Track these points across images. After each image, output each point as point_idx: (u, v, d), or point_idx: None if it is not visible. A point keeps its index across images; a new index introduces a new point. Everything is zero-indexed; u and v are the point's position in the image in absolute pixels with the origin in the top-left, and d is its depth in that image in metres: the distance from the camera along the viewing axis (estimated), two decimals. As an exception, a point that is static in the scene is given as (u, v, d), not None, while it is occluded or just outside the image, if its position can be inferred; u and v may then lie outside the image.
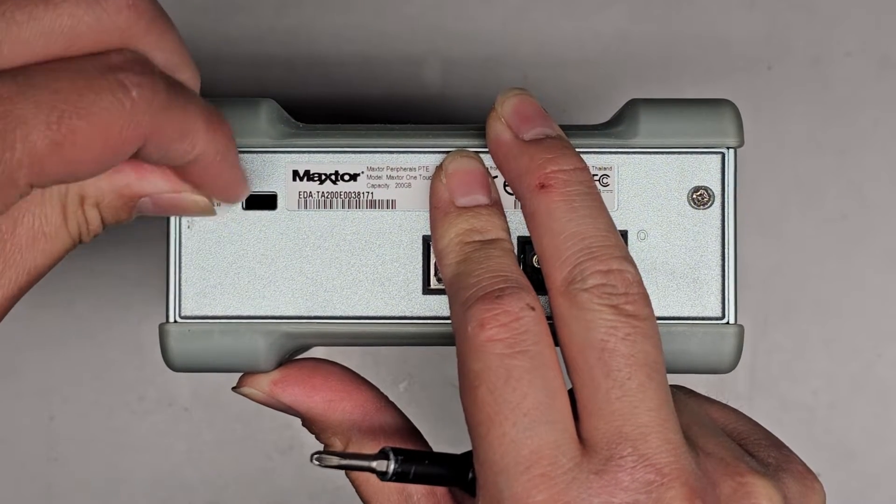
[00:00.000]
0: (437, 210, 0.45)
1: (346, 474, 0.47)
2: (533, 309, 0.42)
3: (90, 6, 0.38)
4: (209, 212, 0.44)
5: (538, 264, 0.43)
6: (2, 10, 0.37)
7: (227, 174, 0.42)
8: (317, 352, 0.50)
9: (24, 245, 0.41)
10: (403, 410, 0.48)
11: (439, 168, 0.45)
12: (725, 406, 0.47)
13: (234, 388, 0.47)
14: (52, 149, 0.37)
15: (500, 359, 0.41)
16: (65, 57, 0.38)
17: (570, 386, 0.42)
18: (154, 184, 0.42)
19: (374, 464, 0.43)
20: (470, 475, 0.43)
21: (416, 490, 0.46)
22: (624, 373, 0.41)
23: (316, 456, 0.43)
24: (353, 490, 0.48)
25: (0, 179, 0.37)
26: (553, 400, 0.41)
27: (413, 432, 0.48)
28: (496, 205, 0.45)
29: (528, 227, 0.43)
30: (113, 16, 0.38)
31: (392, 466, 0.43)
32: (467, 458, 0.43)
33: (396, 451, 0.43)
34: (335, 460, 0.43)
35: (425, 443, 0.48)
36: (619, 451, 0.41)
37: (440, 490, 0.46)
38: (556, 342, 0.42)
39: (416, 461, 0.43)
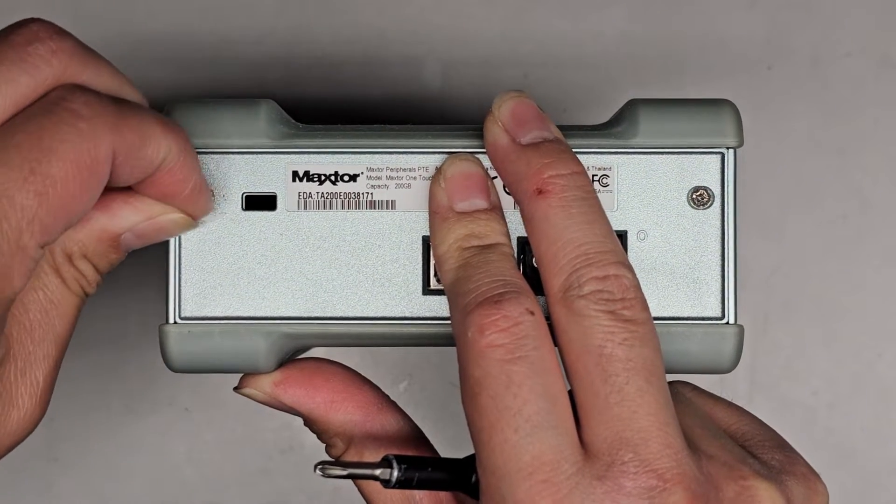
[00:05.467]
0: (436, 215, 0.45)
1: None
2: (532, 313, 0.42)
3: (20, 66, 0.39)
4: (190, 226, 0.44)
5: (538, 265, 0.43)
6: None
7: (190, 177, 0.43)
8: (317, 351, 0.50)
9: (41, 321, 0.43)
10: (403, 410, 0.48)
11: (438, 172, 0.45)
12: (729, 404, 0.47)
13: (235, 389, 0.47)
14: (40, 200, 0.38)
15: (501, 365, 0.41)
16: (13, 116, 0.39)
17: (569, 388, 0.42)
18: (126, 218, 0.43)
19: (377, 472, 0.43)
20: (473, 479, 0.43)
21: (421, 493, 0.46)
22: (622, 377, 0.41)
23: (319, 466, 0.43)
24: (353, 490, 0.48)
25: (10, 250, 0.38)
26: (554, 405, 0.41)
27: (415, 432, 0.48)
28: (495, 209, 0.45)
29: (526, 231, 0.43)
30: (44, 67, 0.39)
31: (395, 474, 0.43)
32: (470, 461, 0.43)
33: (399, 459, 0.43)
34: (338, 470, 0.43)
35: (428, 442, 0.48)
36: (620, 457, 0.41)
37: (444, 493, 0.46)
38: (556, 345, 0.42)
39: (418, 468, 0.43)
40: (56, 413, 0.63)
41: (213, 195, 0.45)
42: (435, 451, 0.48)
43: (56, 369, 0.43)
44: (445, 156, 0.45)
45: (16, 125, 0.38)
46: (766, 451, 0.45)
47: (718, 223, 0.46)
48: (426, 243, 0.46)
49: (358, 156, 0.46)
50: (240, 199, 0.46)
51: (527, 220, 0.43)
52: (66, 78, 0.39)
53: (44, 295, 0.42)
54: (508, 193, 0.45)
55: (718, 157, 0.46)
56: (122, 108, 0.40)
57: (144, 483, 0.64)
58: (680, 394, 0.46)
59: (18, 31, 0.39)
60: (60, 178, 0.38)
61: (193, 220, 0.44)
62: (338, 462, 0.44)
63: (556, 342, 0.42)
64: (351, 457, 0.47)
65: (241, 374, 0.47)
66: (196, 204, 0.44)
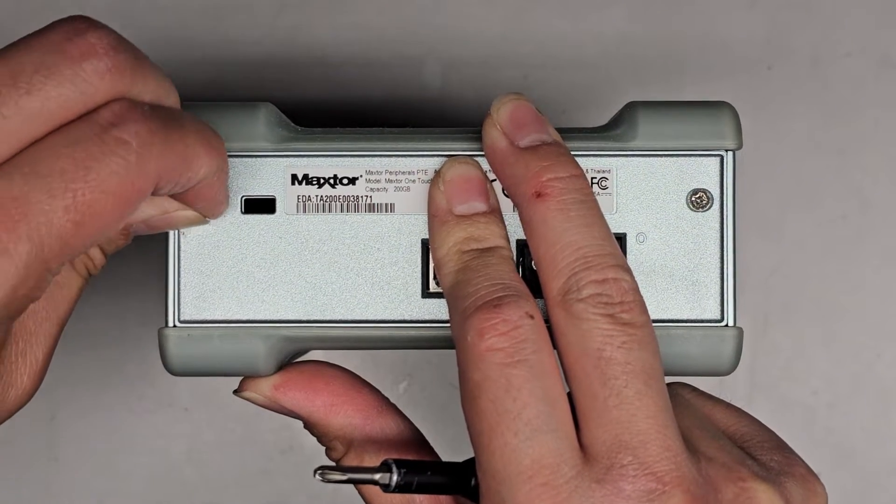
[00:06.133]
0: (435, 218, 0.45)
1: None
2: (532, 317, 0.42)
3: (73, 82, 0.38)
4: (201, 222, 0.44)
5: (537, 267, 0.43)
6: None
7: (221, 191, 0.43)
8: (316, 354, 0.50)
9: (45, 303, 0.43)
10: (403, 412, 0.48)
11: (437, 175, 0.45)
12: (728, 406, 0.47)
13: (235, 392, 0.47)
14: (77, 229, 0.38)
15: (500, 368, 0.41)
16: (58, 127, 0.38)
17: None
18: (143, 211, 0.43)
19: (377, 476, 0.43)
20: (472, 482, 0.43)
21: (421, 497, 0.46)
22: (621, 381, 0.41)
23: (319, 471, 0.43)
24: (354, 491, 0.48)
25: (38, 272, 0.38)
26: (553, 408, 0.41)
27: (415, 435, 0.48)
28: (494, 212, 0.45)
29: (524, 234, 0.43)
30: (97, 84, 0.38)
31: (394, 479, 0.43)
32: (469, 465, 0.43)
33: (399, 463, 0.43)
34: (338, 475, 0.43)
35: (428, 445, 0.48)
36: (619, 460, 0.41)
37: (444, 497, 0.46)
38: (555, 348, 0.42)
39: (418, 472, 0.43)
40: (56, 413, 0.63)
41: (229, 198, 0.45)
42: (435, 454, 0.48)
43: (54, 346, 0.43)
44: (444, 159, 0.45)
45: (62, 146, 0.38)
46: (764, 452, 0.45)
47: (717, 225, 0.46)
48: (425, 246, 0.46)
49: (357, 159, 0.46)
50: (239, 202, 0.46)
51: (525, 223, 0.43)
52: (115, 93, 0.39)
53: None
54: (507, 196, 0.45)
55: (717, 159, 0.46)
56: (169, 133, 0.39)
57: (144, 483, 0.64)
58: (679, 395, 0.46)
59: (74, 41, 0.38)
60: (100, 210, 0.38)
61: (205, 218, 0.45)
62: (337, 467, 0.44)
63: (555, 345, 0.42)
64: (351, 460, 0.47)
65: (240, 377, 0.47)
66: (214, 210, 0.44)
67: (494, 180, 0.45)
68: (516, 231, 0.45)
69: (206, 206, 0.43)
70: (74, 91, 0.38)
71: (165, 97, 0.40)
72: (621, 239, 0.45)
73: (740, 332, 0.46)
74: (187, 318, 0.45)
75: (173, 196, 0.42)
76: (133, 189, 0.38)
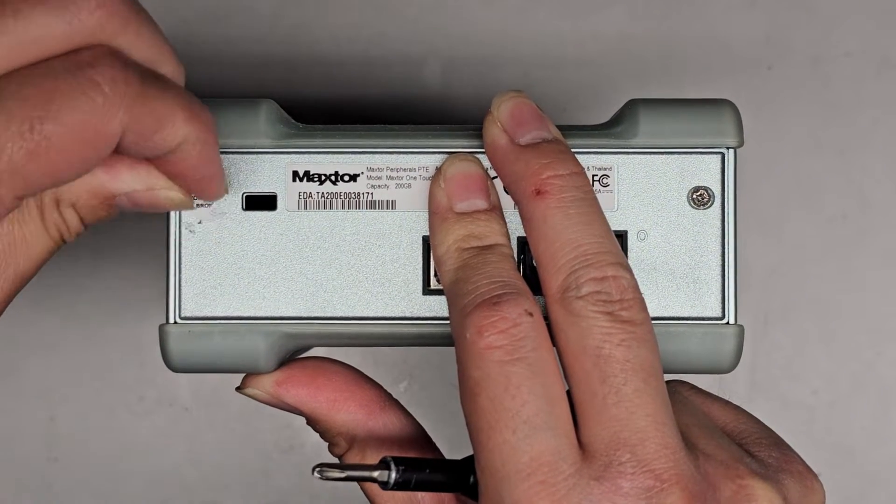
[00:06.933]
0: (436, 216, 0.45)
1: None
2: (531, 315, 0.42)
3: (60, 12, 0.37)
4: (187, 206, 0.43)
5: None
6: None
7: (205, 167, 0.41)
8: (318, 350, 0.50)
9: (4, 252, 0.41)
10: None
11: (438, 172, 0.45)
12: (727, 403, 0.47)
13: (237, 389, 0.47)
14: (30, 158, 0.37)
15: (500, 366, 0.41)
16: (37, 61, 0.38)
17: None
18: (127, 182, 0.42)
19: (375, 474, 0.43)
20: (471, 479, 0.43)
21: (423, 494, 0.46)
22: (619, 378, 0.41)
23: (318, 469, 0.43)
24: (354, 490, 0.48)
25: None
26: (553, 406, 0.41)
27: (418, 431, 0.48)
28: (495, 209, 0.45)
29: (525, 231, 0.43)
30: (84, 19, 0.38)
31: (393, 476, 0.43)
32: (468, 462, 0.43)
33: (398, 461, 0.43)
34: (336, 473, 0.43)
35: (431, 441, 0.48)
36: (618, 457, 0.41)
37: (446, 494, 0.46)
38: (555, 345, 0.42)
39: (416, 469, 0.43)
40: (56, 413, 0.63)
41: (225, 183, 0.45)
42: (438, 451, 0.48)
43: (5, 304, 0.42)
44: (445, 156, 0.45)
45: (32, 75, 0.37)
46: (762, 449, 0.45)
47: (718, 223, 0.46)
48: (426, 243, 0.45)
49: (358, 156, 0.46)
50: (240, 199, 0.46)
51: (525, 220, 0.43)
52: (102, 35, 0.38)
53: (18, 229, 0.41)
54: (508, 193, 0.45)
55: (718, 157, 0.46)
56: (146, 88, 0.38)
57: (144, 483, 0.64)
58: (678, 393, 0.46)
59: None
60: (57, 144, 0.37)
61: (192, 201, 0.43)
62: (336, 465, 0.44)
63: (554, 343, 0.42)
64: (354, 456, 0.47)
65: (241, 374, 0.47)
66: (203, 191, 0.43)
67: (495, 177, 0.45)
68: (517, 228, 0.45)
69: (191, 185, 0.42)
70: (61, 22, 0.37)
71: (160, 63, 0.39)
72: (622, 236, 0.45)
73: (741, 329, 0.46)
74: (188, 314, 0.45)
75: (159, 168, 0.41)
76: (95, 131, 0.37)
